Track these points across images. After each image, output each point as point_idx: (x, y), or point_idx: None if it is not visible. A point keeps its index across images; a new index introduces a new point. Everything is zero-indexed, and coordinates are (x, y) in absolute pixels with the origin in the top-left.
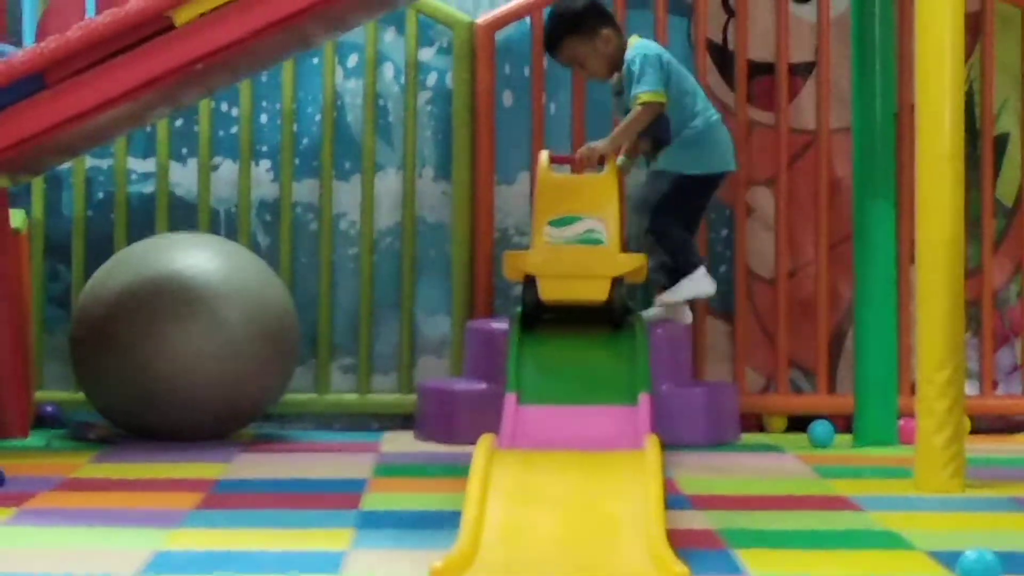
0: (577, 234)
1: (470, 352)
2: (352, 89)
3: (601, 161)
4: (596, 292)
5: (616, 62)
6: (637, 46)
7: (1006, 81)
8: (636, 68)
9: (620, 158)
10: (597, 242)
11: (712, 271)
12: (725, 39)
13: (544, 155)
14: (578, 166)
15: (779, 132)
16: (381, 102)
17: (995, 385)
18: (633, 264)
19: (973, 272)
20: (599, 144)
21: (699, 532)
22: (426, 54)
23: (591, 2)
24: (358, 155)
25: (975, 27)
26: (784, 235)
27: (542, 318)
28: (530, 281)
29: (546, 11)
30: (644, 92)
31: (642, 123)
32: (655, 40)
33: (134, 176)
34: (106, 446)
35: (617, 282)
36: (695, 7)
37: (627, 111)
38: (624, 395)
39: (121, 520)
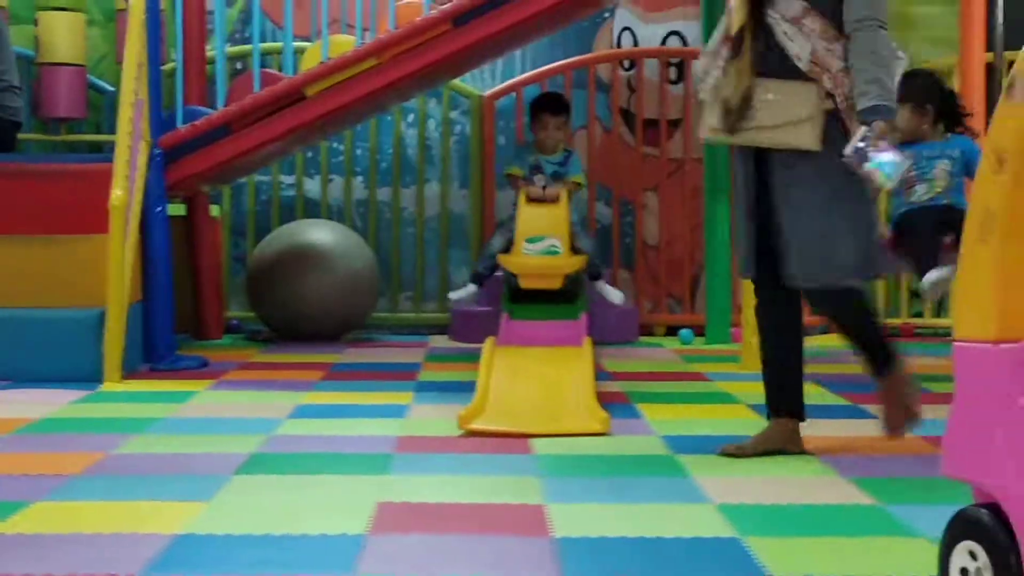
0: (543, 248)
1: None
2: (411, 134)
3: (557, 197)
4: (554, 284)
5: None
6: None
7: None
8: (574, 158)
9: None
10: (555, 253)
11: (621, 244)
12: (630, 105)
13: (523, 193)
14: (547, 199)
15: (661, 160)
16: (428, 143)
17: None
18: (577, 265)
19: None
20: (559, 187)
21: (615, 393)
22: (454, 114)
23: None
24: (414, 173)
25: None
26: (664, 221)
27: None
28: (514, 276)
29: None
30: (582, 178)
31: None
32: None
33: (283, 185)
34: (268, 344)
35: (567, 276)
36: (612, 87)
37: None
38: (573, 314)
39: (277, 387)
